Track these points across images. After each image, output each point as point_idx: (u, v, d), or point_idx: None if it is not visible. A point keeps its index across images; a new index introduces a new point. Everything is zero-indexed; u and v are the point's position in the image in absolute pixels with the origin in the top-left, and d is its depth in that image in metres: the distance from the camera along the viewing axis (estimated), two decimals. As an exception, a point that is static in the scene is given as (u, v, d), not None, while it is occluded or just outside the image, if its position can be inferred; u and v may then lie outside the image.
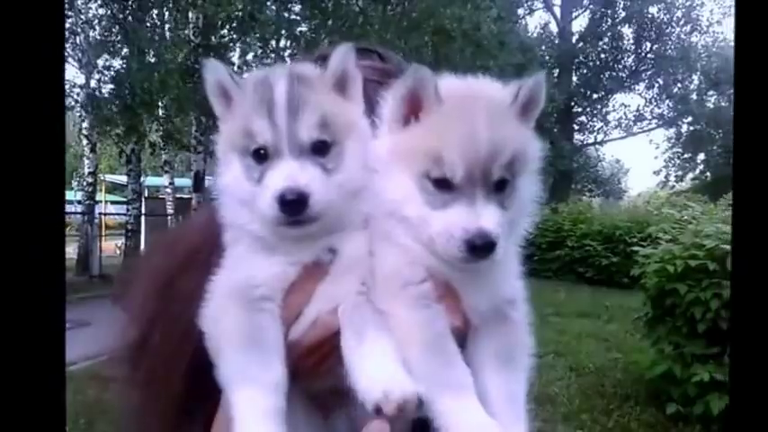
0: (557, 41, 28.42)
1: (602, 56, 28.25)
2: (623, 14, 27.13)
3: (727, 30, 26.11)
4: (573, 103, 28.54)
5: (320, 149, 0.74)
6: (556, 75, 26.85)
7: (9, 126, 0.70)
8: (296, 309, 0.77)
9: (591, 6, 27.98)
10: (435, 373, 0.70)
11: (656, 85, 27.93)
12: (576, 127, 30.05)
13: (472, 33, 19.35)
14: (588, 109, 30.06)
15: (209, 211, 0.91)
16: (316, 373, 0.79)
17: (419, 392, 0.67)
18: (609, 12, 27.40)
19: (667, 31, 26.46)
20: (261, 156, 0.75)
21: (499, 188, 0.73)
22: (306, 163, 0.72)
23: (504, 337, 0.78)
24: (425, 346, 0.72)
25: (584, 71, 28.90)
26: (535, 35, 28.27)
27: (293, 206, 0.70)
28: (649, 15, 26.40)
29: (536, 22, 32.45)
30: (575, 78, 28.89)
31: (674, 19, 26.39)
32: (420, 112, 0.75)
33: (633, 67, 28.11)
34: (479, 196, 0.70)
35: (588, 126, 30.56)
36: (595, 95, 29.41)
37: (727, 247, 4.53)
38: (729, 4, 23.87)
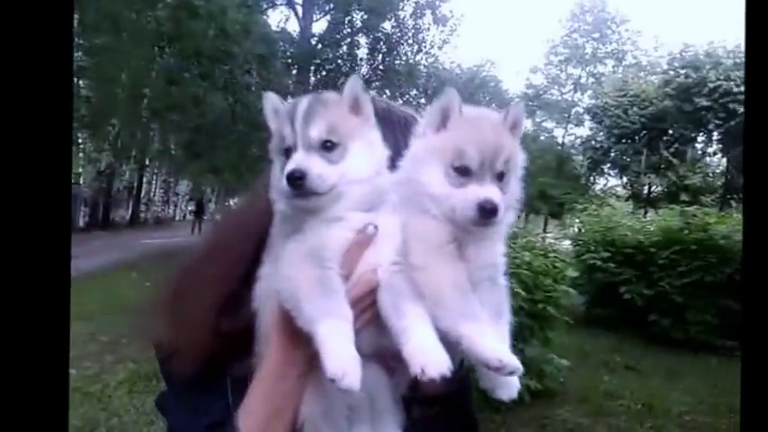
0: (297, 40, 28.60)
1: (339, 61, 29.57)
2: (359, 25, 28.89)
3: (445, 55, 30.63)
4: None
5: (327, 147, 1.04)
6: (295, 72, 27.04)
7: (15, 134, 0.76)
8: (348, 271, 1.04)
9: (332, 12, 28.98)
10: (461, 307, 0.97)
11: (385, 95, 30.75)
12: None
13: (218, 16, 18.10)
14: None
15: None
16: (356, 324, 1.00)
17: (448, 366, 0.91)
18: (347, 20, 28.81)
19: (398, 48, 29.30)
20: (287, 153, 1.05)
21: (500, 178, 1.05)
22: (312, 155, 1.02)
23: (496, 296, 1.08)
24: (454, 289, 0.98)
25: (323, 73, 29.78)
26: (278, 29, 27.93)
27: (294, 181, 0.99)
28: (384, 30, 28.71)
29: (278, 17, 32.03)
30: (313, 79, 29.52)
31: (404, 38, 29.39)
32: (448, 122, 1.08)
33: (366, 77, 30.27)
34: (488, 179, 1.03)
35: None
36: (334, 98, 30.65)
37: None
38: (450, 32, 28.09)
